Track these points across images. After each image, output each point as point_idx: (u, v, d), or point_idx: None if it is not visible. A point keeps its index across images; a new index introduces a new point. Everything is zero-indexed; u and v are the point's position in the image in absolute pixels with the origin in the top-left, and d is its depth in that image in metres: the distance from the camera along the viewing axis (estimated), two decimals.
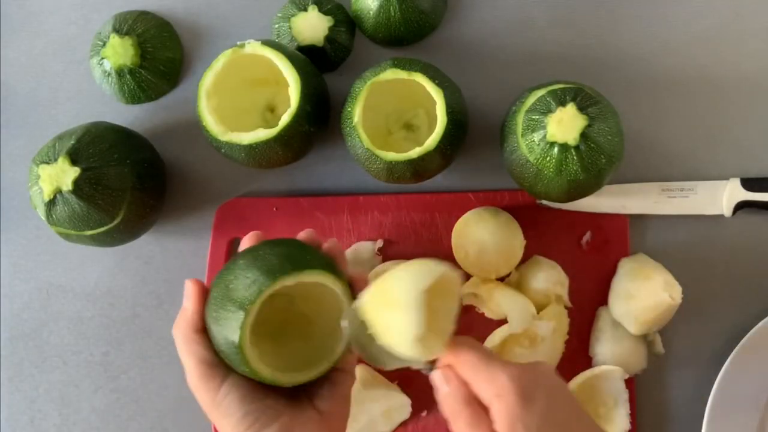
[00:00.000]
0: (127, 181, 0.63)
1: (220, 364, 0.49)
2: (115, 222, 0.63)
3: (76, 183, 0.60)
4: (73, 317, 0.71)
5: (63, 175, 0.61)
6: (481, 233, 0.64)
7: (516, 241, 0.65)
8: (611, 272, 0.66)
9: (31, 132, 0.74)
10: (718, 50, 0.69)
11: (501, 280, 0.66)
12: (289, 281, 0.47)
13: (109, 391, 0.71)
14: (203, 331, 0.49)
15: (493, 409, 0.45)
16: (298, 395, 0.50)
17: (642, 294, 0.62)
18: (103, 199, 0.62)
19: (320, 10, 0.69)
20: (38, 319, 0.72)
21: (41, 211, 0.62)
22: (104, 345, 0.71)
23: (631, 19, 0.70)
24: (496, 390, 0.45)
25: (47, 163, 0.61)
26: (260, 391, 0.48)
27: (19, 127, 0.74)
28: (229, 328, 0.47)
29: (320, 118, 0.66)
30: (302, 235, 0.53)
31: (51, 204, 0.61)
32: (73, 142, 0.62)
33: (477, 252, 0.64)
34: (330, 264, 0.50)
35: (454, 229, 0.66)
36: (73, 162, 0.61)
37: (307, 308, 0.54)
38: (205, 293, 0.50)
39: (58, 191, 0.61)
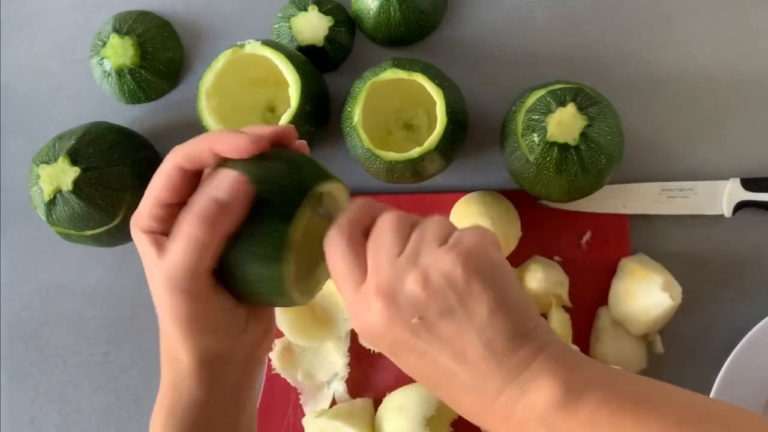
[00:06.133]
0: (127, 181, 0.63)
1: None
2: (115, 222, 0.63)
3: (76, 183, 0.60)
4: (73, 317, 0.71)
5: (63, 175, 0.61)
6: (480, 215, 0.64)
7: (512, 230, 0.65)
8: (611, 272, 0.66)
9: (31, 132, 0.74)
10: (718, 50, 0.69)
11: None
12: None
13: (109, 391, 0.71)
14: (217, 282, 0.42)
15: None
16: None
17: (642, 294, 0.62)
18: (103, 199, 0.62)
19: (320, 10, 0.68)
20: (38, 319, 0.72)
21: (41, 211, 0.62)
22: (104, 345, 0.71)
23: (631, 19, 0.69)
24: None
25: (47, 163, 0.61)
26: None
27: (19, 127, 0.74)
28: (270, 256, 0.40)
29: (320, 118, 0.66)
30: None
31: (51, 204, 0.61)
32: (73, 142, 0.62)
33: None
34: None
35: (454, 207, 0.66)
36: (73, 162, 0.61)
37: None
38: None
39: (58, 191, 0.61)
